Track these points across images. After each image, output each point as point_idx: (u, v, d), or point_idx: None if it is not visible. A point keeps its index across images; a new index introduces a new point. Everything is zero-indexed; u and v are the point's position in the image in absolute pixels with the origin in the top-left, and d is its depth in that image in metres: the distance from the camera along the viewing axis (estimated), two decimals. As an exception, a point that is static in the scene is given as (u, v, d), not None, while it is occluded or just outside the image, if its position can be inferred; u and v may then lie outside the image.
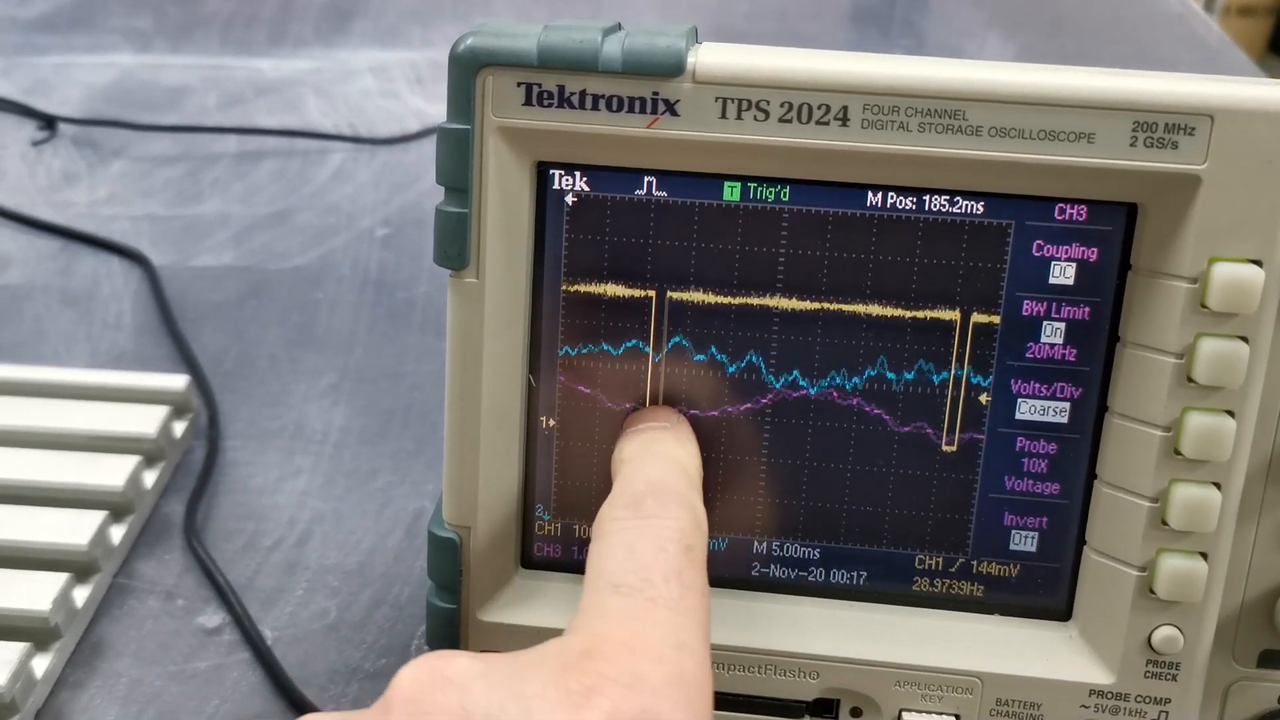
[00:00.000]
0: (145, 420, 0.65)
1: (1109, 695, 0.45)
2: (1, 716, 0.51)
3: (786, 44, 0.43)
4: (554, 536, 0.48)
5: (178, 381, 0.69)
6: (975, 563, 0.47)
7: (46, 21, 1.25)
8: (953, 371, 0.45)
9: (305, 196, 0.96)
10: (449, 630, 0.47)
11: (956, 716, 0.46)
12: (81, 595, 0.57)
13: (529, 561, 0.48)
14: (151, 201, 0.94)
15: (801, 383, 0.46)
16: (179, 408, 0.68)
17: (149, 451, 0.64)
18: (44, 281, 0.84)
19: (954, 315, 0.44)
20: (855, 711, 0.46)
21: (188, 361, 0.75)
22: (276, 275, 0.85)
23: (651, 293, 0.45)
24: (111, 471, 0.62)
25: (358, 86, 1.14)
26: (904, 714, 0.46)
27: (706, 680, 0.35)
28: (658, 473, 0.42)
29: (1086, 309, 0.44)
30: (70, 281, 0.84)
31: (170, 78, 1.13)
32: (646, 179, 0.44)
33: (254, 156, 1.01)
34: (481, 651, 0.47)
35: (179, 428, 0.67)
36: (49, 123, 1.03)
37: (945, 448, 0.46)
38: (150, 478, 0.64)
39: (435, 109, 1.09)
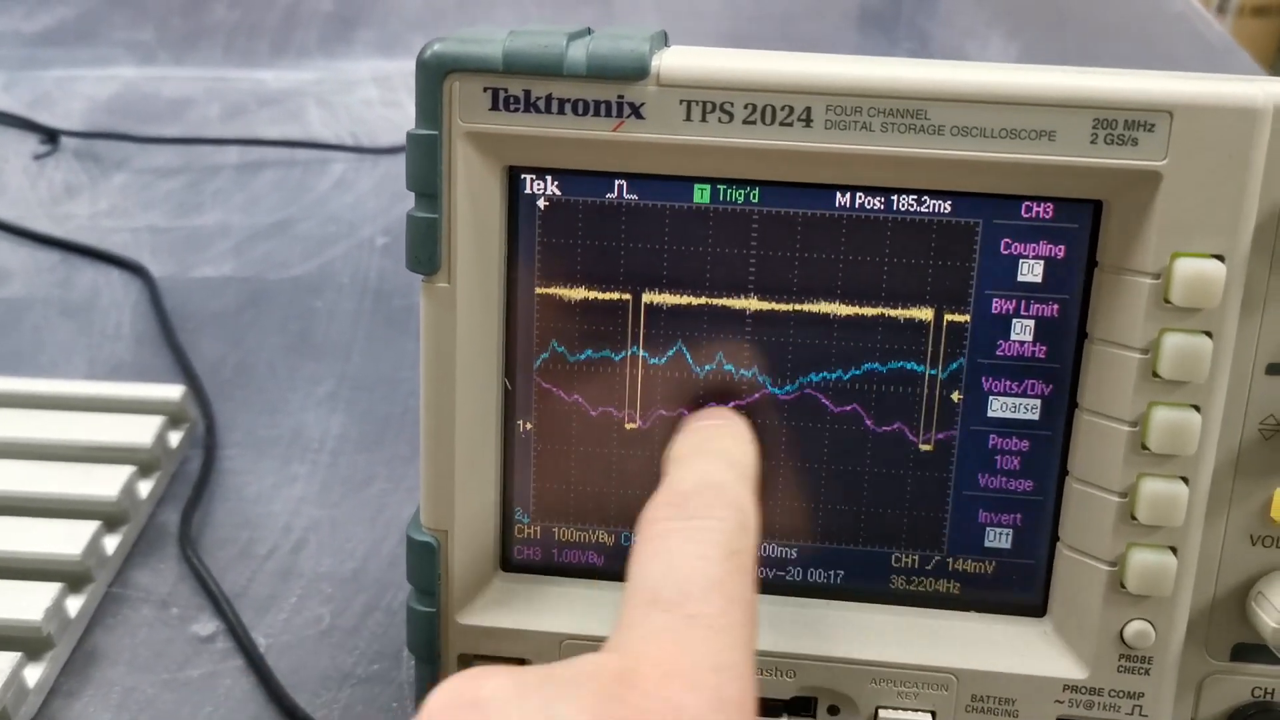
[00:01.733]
0: (140, 430, 0.66)
1: (1083, 690, 0.45)
2: (-7, 725, 0.52)
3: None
4: (533, 539, 0.48)
5: (173, 392, 0.69)
6: (951, 560, 0.47)
7: (50, 35, 1.26)
8: (925, 370, 0.45)
9: (306, 206, 0.96)
10: (429, 634, 0.47)
11: (933, 713, 0.46)
12: (75, 605, 0.57)
13: (508, 564, 0.48)
14: (152, 213, 0.94)
15: (776, 383, 0.46)
16: (174, 418, 0.69)
17: (144, 461, 0.65)
18: (44, 294, 0.84)
19: (925, 314, 0.45)
20: (833, 709, 0.46)
21: (186, 371, 0.76)
22: (276, 285, 0.86)
23: (626, 295, 0.45)
24: (105, 482, 0.62)
25: (360, 96, 1.14)
26: (880, 711, 0.46)
27: (748, 700, 0.34)
28: (707, 469, 0.41)
29: (1055, 306, 0.44)
30: (70, 293, 0.84)
31: (172, 89, 1.14)
32: (617, 182, 0.44)
33: (255, 167, 1.01)
34: (464, 654, 0.47)
35: (175, 437, 0.68)
36: (51, 136, 1.04)
37: (920, 446, 0.46)
38: (145, 487, 0.64)
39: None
